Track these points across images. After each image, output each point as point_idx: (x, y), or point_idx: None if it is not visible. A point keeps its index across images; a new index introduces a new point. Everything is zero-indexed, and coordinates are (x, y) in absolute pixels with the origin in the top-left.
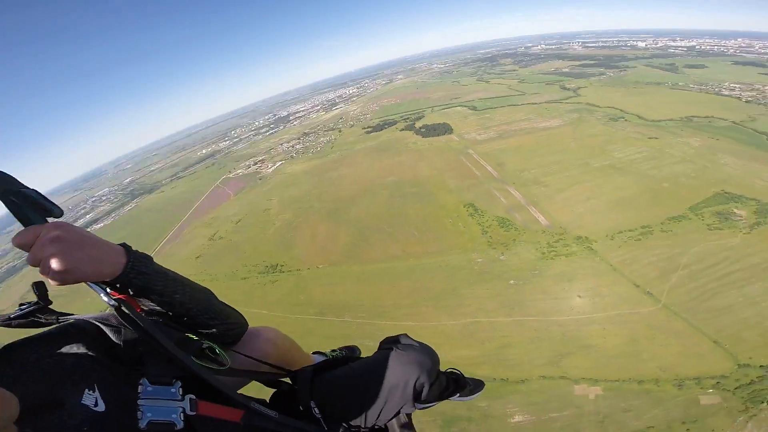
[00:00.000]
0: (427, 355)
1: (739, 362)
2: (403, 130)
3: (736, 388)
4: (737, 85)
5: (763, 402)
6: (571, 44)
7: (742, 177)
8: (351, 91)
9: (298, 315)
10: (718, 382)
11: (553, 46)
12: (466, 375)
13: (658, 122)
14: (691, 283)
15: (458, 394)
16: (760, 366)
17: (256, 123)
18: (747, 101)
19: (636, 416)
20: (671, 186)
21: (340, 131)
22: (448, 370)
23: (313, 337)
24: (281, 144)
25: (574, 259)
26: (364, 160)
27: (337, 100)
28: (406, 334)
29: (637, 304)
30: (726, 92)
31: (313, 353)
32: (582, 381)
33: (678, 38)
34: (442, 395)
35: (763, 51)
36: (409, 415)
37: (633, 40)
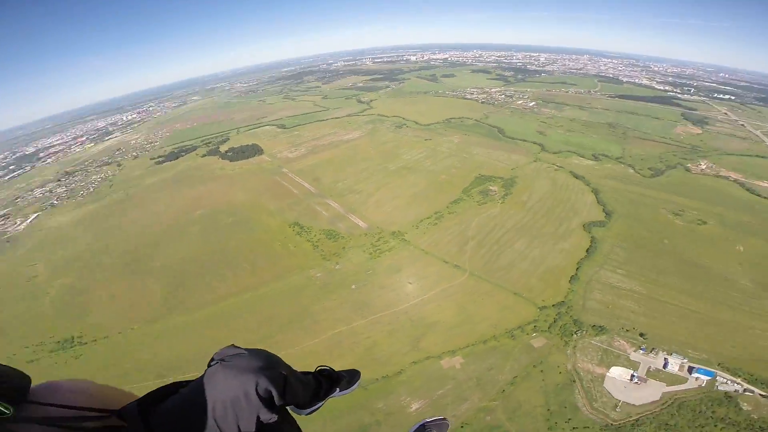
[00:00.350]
0: (259, 359)
1: (538, 306)
2: (205, 155)
3: (549, 327)
4: (475, 89)
5: (573, 334)
6: (363, 60)
7: (489, 162)
8: (130, 117)
9: (134, 384)
10: (535, 326)
11: (350, 62)
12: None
13: (429, 126)
14: (480, 250)
15: (338, 389)
16: (552, 305)
17: None
18: (482, 102)
19: (498, 371)
20: (447, 177)
21: (119, 165)
22: (318, 368)
23: None
24: (32, 190)
25: (395, 252)
26: (161, 196)
27: (110, 129)
28: (233, 345)
29: (452, 277)
30: (469, 96)
31: None
32: (444, 355)
33: (436, 51)
34: (319, 395)
35: (488, 60)
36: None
37: (407, 55)
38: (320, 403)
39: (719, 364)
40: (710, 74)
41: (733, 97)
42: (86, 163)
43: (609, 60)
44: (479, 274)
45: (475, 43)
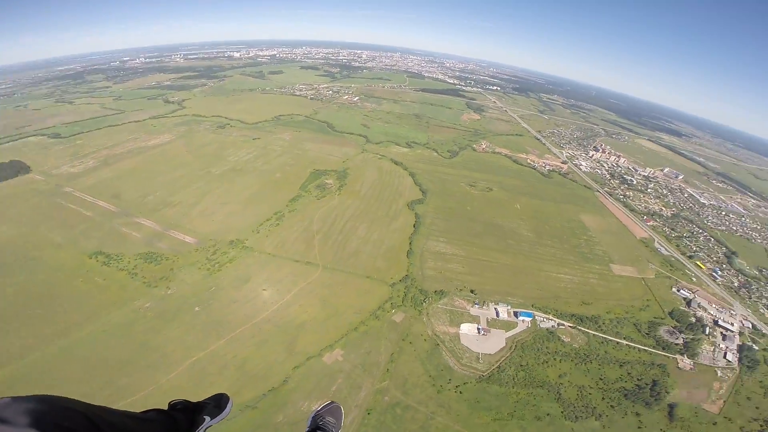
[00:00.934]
0: (42, 403)
1: (388, 283)
2: None
3: (402, 301)
4: (304, 86)
5: (422, 302)
6: (173, 57)
7: (321, 156)
8: None
9: None
10: (391, 303)
11: (154, 60)
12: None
13: (256, 124)
14: (328, 242)
15: (208, 418)
16: (399, 281)
17: None
18: (311, 98)
19: (376, 353)
20: (282, 175)
21: None
22: (170, 403)
23: None
24: None
25: (239, 262)
26: None
27: None
28: (11, 397)
29: (307, 275)
30: (298, 93)
31: None
32: (323, 352)
33: (264, 48)
34: (179, 429)
35: (316, 56)
36: None
37: (230, 51)
38: None
39: (533, 305)
40: (484, 69)
41: (498, 88)
42: None
43: (415, 57)
44: (332, 266)
45: (304, 39)
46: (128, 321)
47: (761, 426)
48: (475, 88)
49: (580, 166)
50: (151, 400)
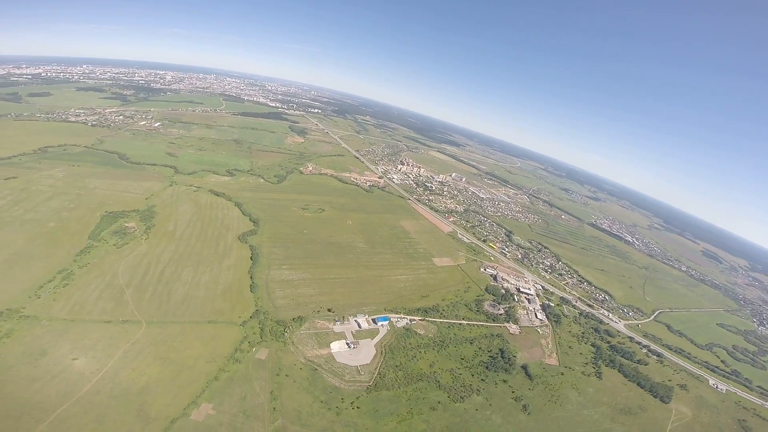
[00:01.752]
0: None
1: (238, 324)
2: None
3: (261, 338)
4: (82, 111)
5: (283, 333)
6: None
7: (114, 195)
8: None
9: None
10: (248, 342)
11: None
12: None
13: (10, 159)
14: (145, 295)
15: None
16: (251, 317)
17: None
18: (93, 125)
19: (254, 396)
20: (59, 223)
21: None
22: None
23: None
24: None
25: (21, 335)
26: None
27: None
28: None
29: (127, 334)
30: (73, 118)
31: None
32: (188, 410)
33: (23, 65)
34: None
35: (102, 76)
36: None
37: None
38: None
39: (385, 309)
40: (306, 92)
41: (320, 111)
42: None
43: (233, 79)
44: (159, 319)
45: (85, 57)
46: None
47: (593, 369)
48: (297, 111)
49: (393, 179)
50: None
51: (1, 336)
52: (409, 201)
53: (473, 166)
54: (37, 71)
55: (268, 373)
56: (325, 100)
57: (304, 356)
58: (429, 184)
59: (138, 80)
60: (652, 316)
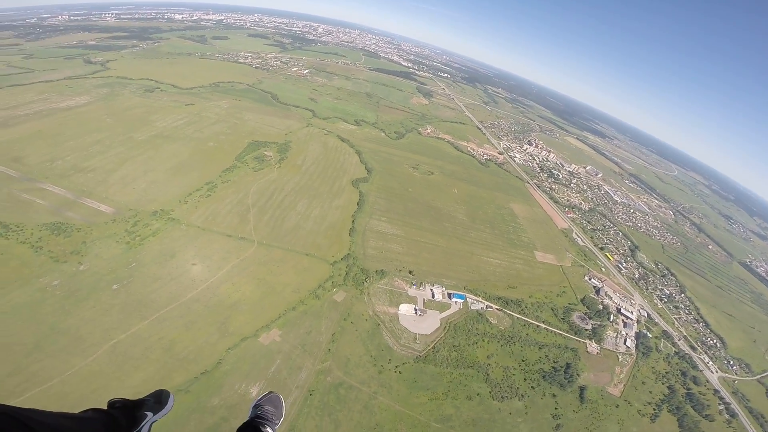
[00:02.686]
0: None
1: (329, 261)
2: None
3: (344, 280)
4: (249, 54)
5: (363, 282)
6: (103, 15)
7: (262, 127)
8: None
9: None
10: (332, 282)
11: (80, 18)
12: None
13: (191, 90)
14: (264, 216)
15: (150, 414)
16: (341, 259)
17: None
18: (256, 67)
19: (317, 333)
20: (216, 144)
21: None
22: (109, 403)
23: None
24: None
25: (163, 235)
26: None
27: None
28: None
29: (240, 250)
30: (242, 60)
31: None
32: (259, 332)
33: (210, 12)
34: (121, 427)
35: (268, 25)
36: None
37: (170, 13)
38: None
39: (465, 287)
40: (438, 55)
41: (449, 76)
42: None
43: (374, 36)
44: (268, 242)
45: (257, 6)
46: (33, 301)
47: (653, 410)
48: (427, 74)
49: (515, 158)
50: (68, 386)
51: (149, 234)
52: (527, 184)
53: (616, 163)
54: (220, 18)
55: (337, 315)
56: (456, 66)
57: (373, 309)
58: (556, 172)
59: (295, 30)
60: (758, 376)
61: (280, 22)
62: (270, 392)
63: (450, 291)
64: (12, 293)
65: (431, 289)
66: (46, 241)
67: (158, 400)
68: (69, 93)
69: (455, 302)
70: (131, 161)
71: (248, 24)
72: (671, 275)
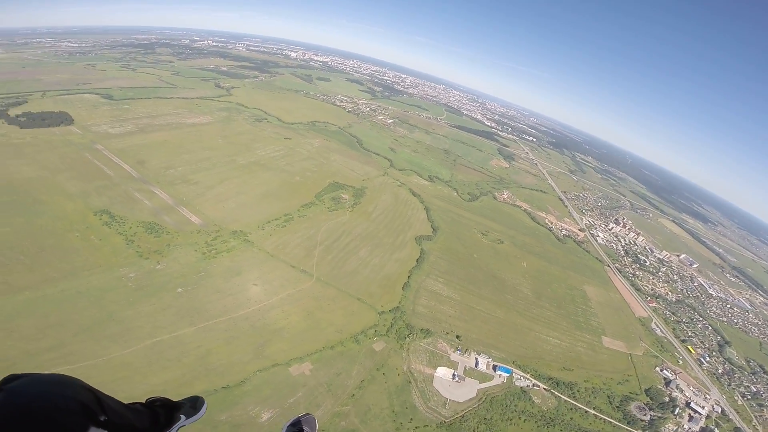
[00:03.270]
0: (55, 380)
1: (377, 311)
2: None
3: (387, 331)
4: (344, 98)
5: (406, 337)
6: (237, 44)
7: (343, 170)
8: None
9: None
10: (375, 330)
11: (220, 44)
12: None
13: (291, 125)
14: (327, 256)
15: (183, 417)
16: (389, 310)
17: None
18: (348, 111)
19: (347, 376)
20: (302, 179)
21: None
22: (149, 400)
23: None
24: None
25: (235, 254)
26: None
27: None
28: (12, 374)
29: (298, 281)
30: (338, 103)
31: None
32: (292, 362)
33: (319, 53)
34: (159, 422)
35: (364, 72)
36: None
37: (288, 50)
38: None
39: (514, 362)
40: (525, 117)
41: (534, 139)
42: None
43: (458, 92)
44: (326, 280)
45: (356, 53)
46: (106, 287)
47: None
48: (510, 135)
49: (597, 237)
50: (95, 370)
51: (224, 249)
52: (606, 267)
53: (717, 254)
54: (326, 60)
55: (371, 364)
56: (543, 129)
57: (409, 365)
58: (642, 257)
59: (386, 80)
60: None
61: (374, 70)
62: (307, 414)
63: (496, 363)
64: (93, 276)
65: (476, 357)
66: (138, 237)
67: (193, 405)
68: (197, 111)
69: (499, 375)
70: (228, 181)
71: (348, 68)
72: (764, 373)
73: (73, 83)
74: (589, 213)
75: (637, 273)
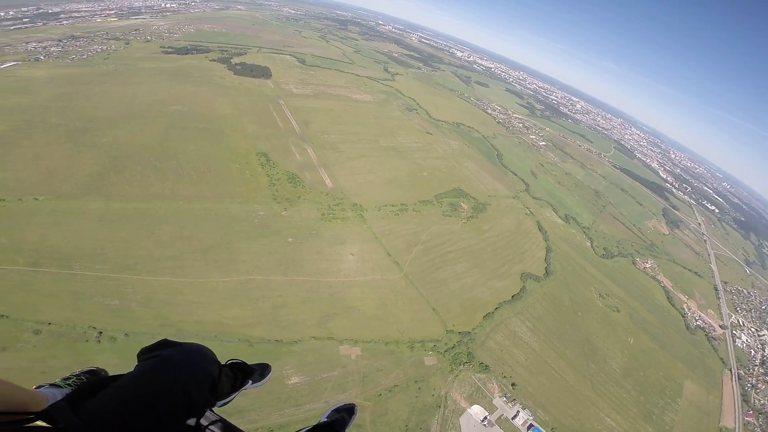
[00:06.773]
0: (198, 354)
1: (447, 328)
2: (214, 61)
3: (445, 351)
4: (498, 107)
5: (461, 364)
6: (411, 34)
7: (472, 179)
8: (168, 5)
9: None
10: (435, 345)
11: (399, 31)
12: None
13: (437, 121)
14: (424, 257)
15: (250, 382)
16: (459, 332)
17: (2, 14)
18: (498, 122)
19: (385, 375)
20: (429, 175)
21: (127, 43)
22: (229, 362)
23: (24, 294)
24: (28, 42)
25: (347, 224)
26: (148, 81)
27: (143, 9)
28: (165, 339)
29: (387, 271)
30: (489, 111)
31: (38, 387)
32: (345, 342)
33: (485, 58)
34: (235, 386)
35: (528, 85)
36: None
37: (454, 48)
38: (234, 395)
39: (553, 429)
40: (716, 180)
41: (717, 210)
42: (97, 32)
43: (637, 131)
44: (411, 279)
45: (524, 64)
46: (238, 217)
47: None
48: (687, 197)
49: (738, 339)
50: (186, 288)
51: (340, 217)
52: (727, 371)
53: None
54: (490, 65)
55: (413, 374)
56: (734, 201)
57: (448, 392)
58: None
59: (552, 99)
60: None
61: (540, 86)
62: (353, 404)
63: (534, 423)
64: (233, 204)
65: (519, 410)
66: (280, 183)
67: (262, 372)
68: (362, 89)
69: None
70: (366, 158)
71: (510, 79)
72: None
73: (281, 44)
74: (744, 312)
75: (759, 385)
